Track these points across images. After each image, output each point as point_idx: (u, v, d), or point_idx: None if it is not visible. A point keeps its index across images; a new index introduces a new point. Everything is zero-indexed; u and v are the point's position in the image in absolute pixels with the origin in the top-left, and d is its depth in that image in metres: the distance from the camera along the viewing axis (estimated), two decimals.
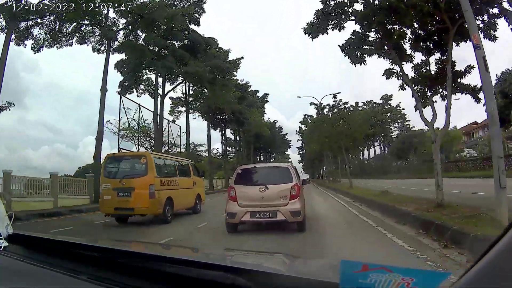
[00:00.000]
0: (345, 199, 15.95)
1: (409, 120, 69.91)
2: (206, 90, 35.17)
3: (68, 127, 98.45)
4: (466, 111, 63.10)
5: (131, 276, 1.20)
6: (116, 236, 8.07)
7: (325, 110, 21.59)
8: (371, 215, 9.33)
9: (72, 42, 20.40)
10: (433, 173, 8.27)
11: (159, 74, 25.38)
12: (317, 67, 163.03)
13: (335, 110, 21.08)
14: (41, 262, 1.42)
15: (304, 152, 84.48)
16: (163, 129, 30.23)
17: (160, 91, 27.11)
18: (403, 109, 68.68)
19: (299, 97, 71.29)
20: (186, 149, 31.43)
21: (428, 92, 9.30)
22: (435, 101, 8.96)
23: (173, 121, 39.65)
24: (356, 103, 20.66)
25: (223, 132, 46.90)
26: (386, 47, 9.31)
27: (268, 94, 62.35)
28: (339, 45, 9.81)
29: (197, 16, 25.65)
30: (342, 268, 0.81)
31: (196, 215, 11.57)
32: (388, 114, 67.72)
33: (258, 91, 59.33)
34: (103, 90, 19.51)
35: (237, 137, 55.94)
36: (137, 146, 32.07)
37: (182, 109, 38.99)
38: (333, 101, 21.25)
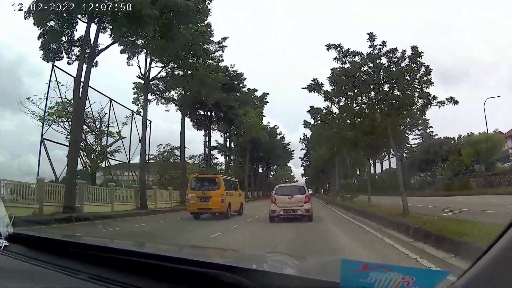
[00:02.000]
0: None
1: (431, 127, 60.27)
2: (180, 72, 25.88)
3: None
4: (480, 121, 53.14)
5: (131, 275, 1.19)
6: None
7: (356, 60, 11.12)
8: None
9: None
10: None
11: (91, 24, 16.32)
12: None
13: (372, 64, 10.93)
14: (41, 262, 1.43)
15: (308, 163, 74.47)
16: (103, 113, 21.11)
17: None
18: None
19: (304, 88, 61.15)
20: (141, 144, 21.89)
21: None
22: None
23: (138, 112, 30.44)
24: (415, 48, 10.44)
25: (207, 132, 36.92)
26: None
27: (268, 94, 53.18)
28: None
29: None
30: (343, 267, 0.80)
31: (241, 216, 17.16)
32: (408, 119, 57.86)
33: (256, 90, 50.37)
34: None
35: (229, 142, 46.32)
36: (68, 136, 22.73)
37: (151, 97, 29.69)
38: (369, 46, 10.90)
